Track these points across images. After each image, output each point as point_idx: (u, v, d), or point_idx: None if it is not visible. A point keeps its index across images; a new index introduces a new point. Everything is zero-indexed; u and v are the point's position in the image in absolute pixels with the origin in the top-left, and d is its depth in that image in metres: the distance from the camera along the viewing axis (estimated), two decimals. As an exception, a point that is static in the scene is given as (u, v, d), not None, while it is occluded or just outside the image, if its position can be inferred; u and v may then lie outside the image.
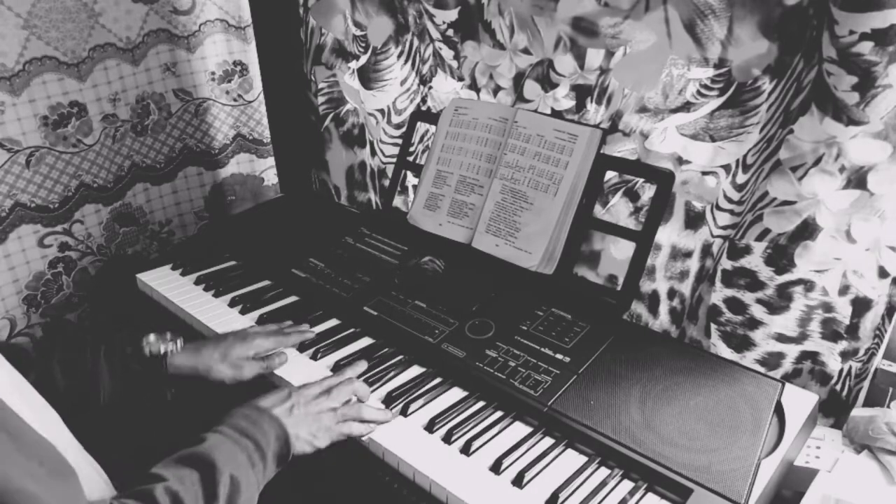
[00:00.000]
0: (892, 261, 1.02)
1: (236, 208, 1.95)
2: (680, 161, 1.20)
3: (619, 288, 1.22)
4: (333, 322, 1.28)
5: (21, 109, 1.48)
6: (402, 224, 1.46)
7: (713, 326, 1.18)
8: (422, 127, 1.56)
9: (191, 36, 1.72)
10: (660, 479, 0.90)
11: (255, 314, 1.31)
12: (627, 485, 0.92)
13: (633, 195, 1.28)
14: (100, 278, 1.73)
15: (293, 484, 0.95)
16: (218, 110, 1.83)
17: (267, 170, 1.98)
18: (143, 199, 1.79)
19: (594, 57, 1.25)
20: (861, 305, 1.06)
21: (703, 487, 0.87)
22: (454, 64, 1.48)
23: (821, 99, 0.97)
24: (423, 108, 1.60)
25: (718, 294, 1.16)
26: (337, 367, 1.14)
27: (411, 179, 1.62)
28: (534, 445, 0.98)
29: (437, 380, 1.12)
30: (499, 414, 1.04)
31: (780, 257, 1.08)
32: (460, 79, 1.49)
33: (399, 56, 1.58)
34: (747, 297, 1.13)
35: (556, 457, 0.96)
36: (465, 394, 1.09)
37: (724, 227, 1.18)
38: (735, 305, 1.15)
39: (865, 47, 0.90)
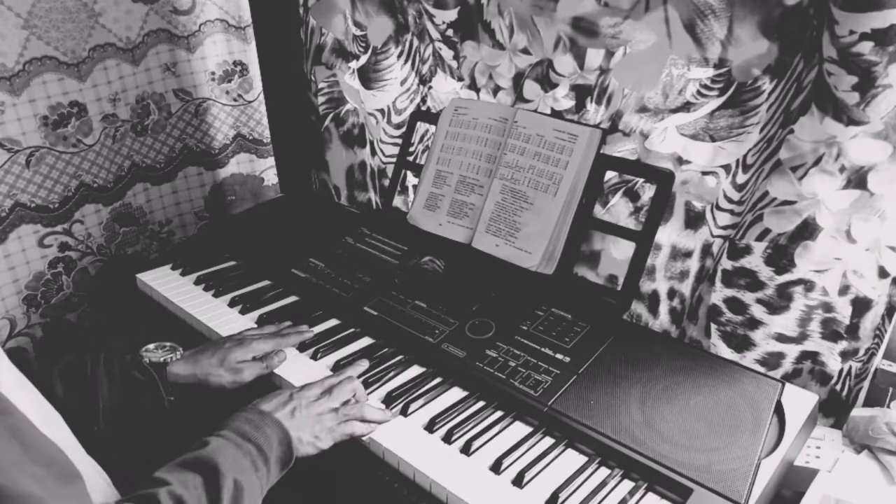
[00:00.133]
0: (892, 261, 1.02)
1: (236, 208, 1.95)
2: (680, 161, 1.20)
3: (619, 288, 1.22)
4: (333, 322, 1.28)
5: (21, 109, 1.48)
6: (402, 224, 1.46)
7: (713, 326, 1.18)
8: (422, 127, 1.56)
9: (191, 36, 1.72)
10: (660, 478, 0.90)
11: (255, 314, 1.31)
12: (627, 485, 0.92)
13: (633, 195, 1.28)
14: (100, 278, 1.72)
15: (293, 484, 0.95)
16: (218, 110, 1.83)
17: (267, 170, 1.98)
18: (143, 199, 1.79)
19: (594, 57, 1.25)
20: (861, 305, 1.06)
21: (703, 487, 0.87)
22: (454, 64, 1.48)
23: (821, 99, 0.97)
24: (423, 108, 1.60)
25: (718, 294, 1.16)
26: (337, 367, 1.14)
27: (411, 179, 1.62)
28: (534, 445, 0.98)
29: (438, 380, 1.12)
30: (499, 414, 1.04)
31: (781, 257, 1.08)
32: (460, 79, 1.49)
33: (399, 56, 1.58)
34: (747, 297, 1.13)
35: (557, 457, 0.96)
36: (465, 394, 1.09)
37: (724, 227, 1.18)
38: (735, 305, 1.15)
39: (865, 47, 0.90)
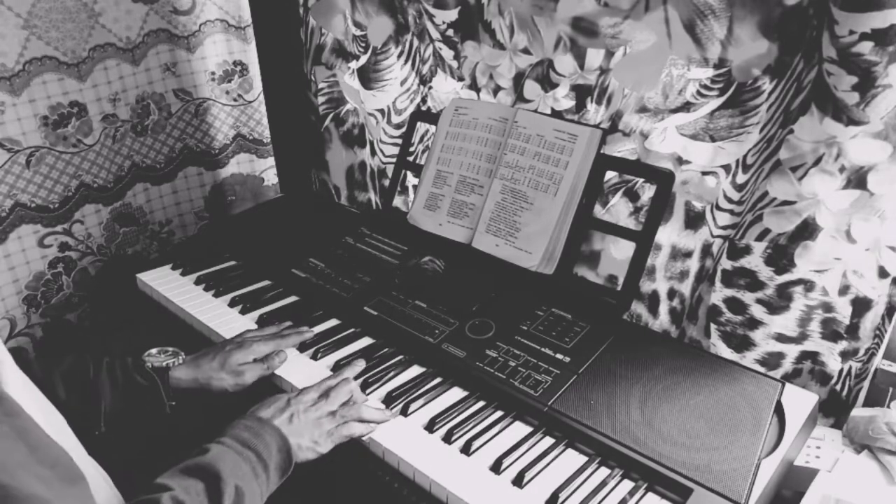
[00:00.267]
0: (892, 261, 1.02)
1: (236, 208, 1.95)
2: (680, 161, 1.20)
3: (619, 288, 1.22)
4: (334, 322, 1.28)
5: (21, 109, 1.48)
6: (402, 224, 1.46)
7: (713, 326, 1.18)
8: (422, 127, 1.56)
9: (191, 36, 1.72)
10: (660, 478, 0.90)
11: (255, 314, 1.31)
12: (627, 484, 0.92)
13: (633, 195, 1.28)
14: (100, 278, 1.73)
15: (293, 483, 0.95)
16: (218, 110, 1.83)
17: (267, 170, 1.98)
18: (143, 199, 1.79)
19: (594, 57, 1.25)
20: (861, 305, 1.06)
21: (703, 487, 0.87)
22: (454, 64, 1.48)
23: (821, 99, 0.97)
24: (423, 108, 1.60)
25: (718, 294, 1.16)
26: (337, 367, 1.14)
27: (411, 179, 1.62)
28: (534, 445, 0.98)
29: (438, 380, 1.12)
30: (499, 414, 1.04)
31: (780, 257, 1.08)
32: (460, 79, 1.49)
33: (399, 56, 1.58)
34: (747, 297, 1.13)
35: (557, 456, 0.96)
36: (465, 394, 1.09)
37: (724, 227, 1.18)
38: (735, 305, 1.15)
39: (865, 47, 0.90)
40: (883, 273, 1.03)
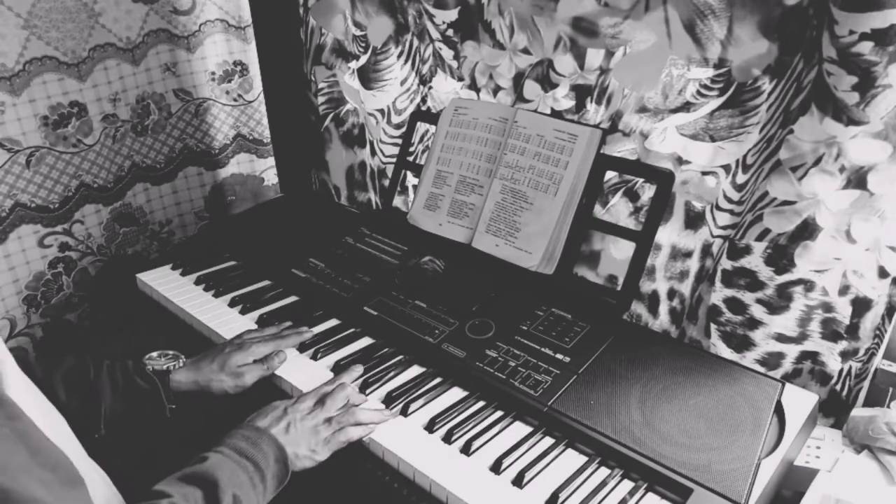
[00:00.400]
0: (892, 261, 1.02)
1: (236, 208, 1.95)
2: (680, 161, 1.20)
3: (619, 288, 1.22)
4: (334, 322, 1.28)
5: (21, 109, 1.48)
6: (402, 224, 1.46)
7: (713, 326, 1.18)
8: (422, 127, 1.56)
9: (191, 36, 1.72)
10: (660, 478, 0.90)
11: (255, 314, 1.31)
12: (627, 485, 0.92)
13: (633, 195, 1.28)
14: (100, 278, 1.73)
15: (293, 483, 0.95)
16: (218, 110, 1.83)
17: (267, 170, 1.98)
18: (143, 199, 1.79)
19: (594, 57, 1.25)
20: (861, 305, 1.06)
21: (703, 487, 0.87)
22: (454, 64, 1.48)
23: (821, 99, 0.97)
24: (423, 108, 1.60)
25: (718, 294, 1.16)
26: (337, 367, 1.14)
27: (411, 179, 1.62)
28: (534, 445, 0.98)
29: (438, 380, 1.12)
30: (499, 414, 1.04)
31: (780, 257, 1.08)
32: (460, 79, 1.49)
33: (399, 56, 1.58)
34: (747, 297, 1.13)
35: (557, 457, 0.96)
36: (465, 394, 1.09)
37: (724, 227, 1.18)
38: (735, 305, 1.15)
39: (865, 47, 0.90)
40: (883, 273, 1.03)
